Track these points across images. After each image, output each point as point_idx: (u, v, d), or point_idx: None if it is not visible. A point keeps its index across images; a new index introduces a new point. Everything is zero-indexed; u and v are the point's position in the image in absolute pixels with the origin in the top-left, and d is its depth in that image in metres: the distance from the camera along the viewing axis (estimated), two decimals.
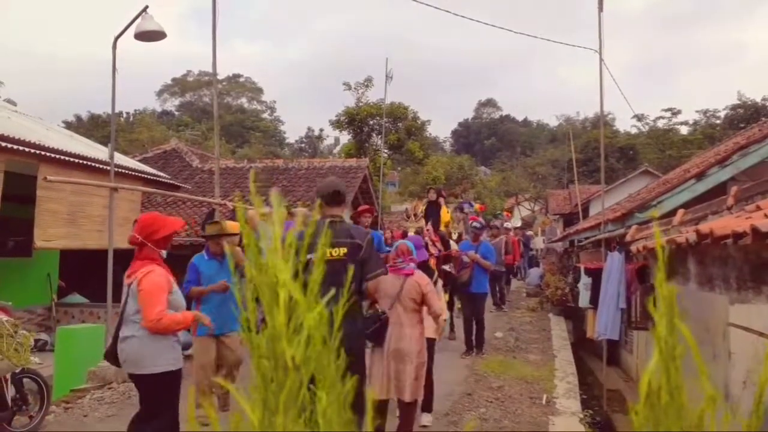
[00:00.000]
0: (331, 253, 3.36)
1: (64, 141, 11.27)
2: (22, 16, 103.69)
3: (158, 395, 3.49)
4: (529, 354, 8.84)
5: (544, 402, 6.34)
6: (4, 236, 10.72)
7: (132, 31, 7.23)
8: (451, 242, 9.61)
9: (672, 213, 6.27)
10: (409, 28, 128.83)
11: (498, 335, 9.98)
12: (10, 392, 4.66)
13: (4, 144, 8.26)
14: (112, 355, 3.60)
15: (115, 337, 3.59)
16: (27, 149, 8.69)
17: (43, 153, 9.05)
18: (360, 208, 8.57)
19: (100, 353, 5.91)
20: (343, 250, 3.47)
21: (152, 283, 3.46)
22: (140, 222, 3.60)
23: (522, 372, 7.58)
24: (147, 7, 6.91)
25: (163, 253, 3.64)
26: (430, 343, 5.12)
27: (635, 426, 0.62)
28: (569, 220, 23.51)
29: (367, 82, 27.05)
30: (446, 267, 8.67)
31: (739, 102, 36.65)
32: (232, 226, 5.63)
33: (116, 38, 6.99)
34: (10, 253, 10.82)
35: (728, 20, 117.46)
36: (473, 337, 8.50)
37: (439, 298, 5.28)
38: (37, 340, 7.31)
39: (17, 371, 4.57)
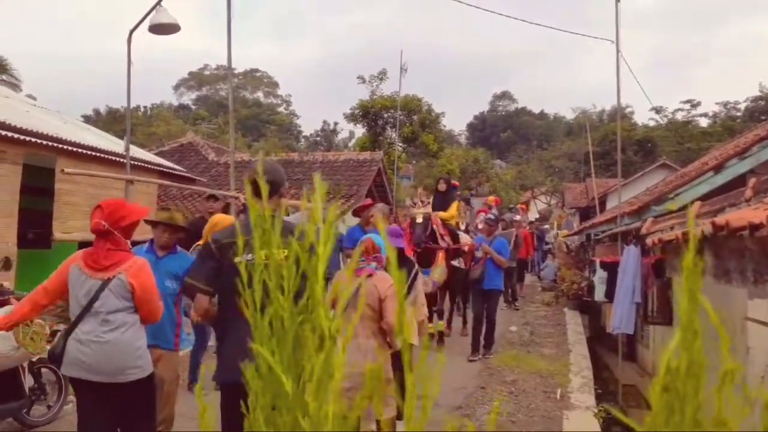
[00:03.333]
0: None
1: (82, 134, 11.40)
2: (40, 14, 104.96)
3: (144, 400, 3.23)
4: (544, 348, 8.80)
5: (558, 396, 6.31)
6: (23, 228, 10.87)
7: (147, 25, 7.29)
8: (462, 234, 9.14)
9: (690, 206, 6.18)
10: (424, 20, 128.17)
11: (512, 329, 9.95)
12: (28, 382, 4.73)
13: (23, 137, 8.38)
14: (58, 356, 3.17)
15: (67, 336, 3.16)
16: (45, 142, 8.80)
17: (61, 146, 9.16)
18: (363, 203, 8.10)
19: None
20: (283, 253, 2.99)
21: (150, 279, 3.23)
22: (105, 208, 3.19)
23: (536, 366, 7.55)
24: (161, 0, 6.94)
25: (128, 243, 3.32)
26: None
27: (652, 401, 0.61)
28: (586, 213, 23.31)
29: (381, 75, 26.95)
30: (455, 262, 8.37)
31: (760, 94, 36.02)
32: (221, 219, 5.20)
33: (131, 31, 7.04)
34: (29, 245, 10.97)
35: (750, 11, 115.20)
36: (482, 337, 8.02)
37: (417, 300, 4.73)
38: (55, 332, 7.41)
39: (34, 360, 4.64)
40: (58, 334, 3.34)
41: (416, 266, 5.14)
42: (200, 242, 5.43)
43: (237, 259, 2.56)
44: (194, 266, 3.01)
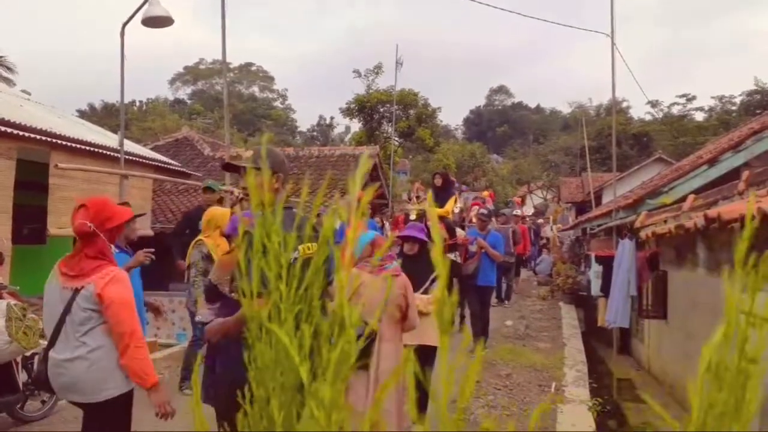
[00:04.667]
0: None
1: (76, 129, 11.35)
2: (33, 8, 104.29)
3: (113, 423, 2.85)
4: (539, 342, 8.82)
5: (552, 390, 6.33)
6: (18, 223, 10.84)
7: (141, 18, 7.25)
8: (458, 230, 8.76)
9: (684, 199, 6.19)
10: (420, 14, 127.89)
11: (508, 323, 9.96)
12: (22, 377, 4.72)
13: (16, 132, 8.34)
14: (42, 380, 2.87)
15: (45, 357, 2.85)
16: (39, 137, 8.77)
17: (54, 141, 9.12)
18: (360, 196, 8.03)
19: None
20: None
21: (125, 292, 2.78)
22: (91, 206, 2.80)
23: (531, 360, 7.56)
24: None
25: (113, 248, 2.97)
26: (431, 352, 4.36)
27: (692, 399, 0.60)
28: (582, 208, 23.35)
29: (377, 69, 26.95)
30: (452, 256, 7.91)
31: (756, 88, 36.05)
32: (217, 212, 5.16)
33: (124, 25, 7.00)
34: (24, 241, 10.94)
35: (745, 6, 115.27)
36: (478, 330, 7.80)
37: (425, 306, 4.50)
38: None
39: (28, 355, 4.63)
40: (36, 357, 3.06)
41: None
42: (202, 237, 5.40)
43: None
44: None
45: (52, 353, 2.79)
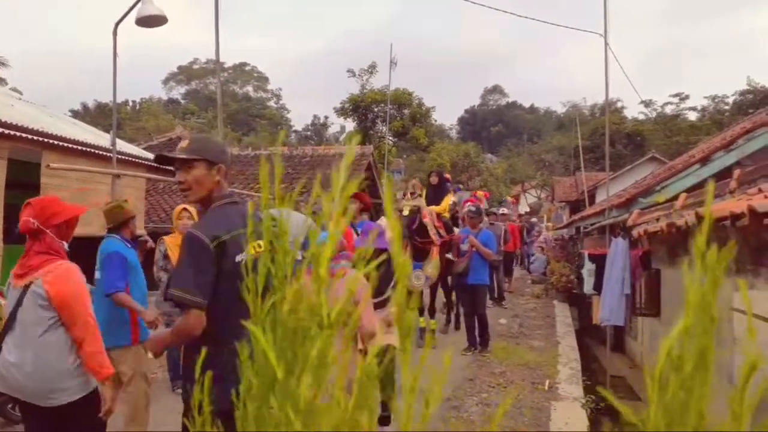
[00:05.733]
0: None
1: (68, 128, 11.29)
2: (26, 7, 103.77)
3: (77, 426, 2.72)
4: (533, 340, 8.84)
5: (546, 387, 6.34)
6: (9, 223, 10.78)
7: (135, 18, 7.22)
8: (456, 229, 8.75)
9: (676, 198, 6.23)
10: (414, 14, 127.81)
11: (502, 321, 9.98)
12: None
13: (7, 131, 8.28)
14: None
15: None
16: (30, 136, 8.71)
17: (46, 140, 9.07)
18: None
19: None
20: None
21: (74, 284, 2.68)
22: (35, 204, 2.74)
23: (525, 358, 7.58)
24: None
25: (65, 245, 2.82)
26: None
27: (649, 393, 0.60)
28: (575, 207, 23.40)
29: (371, 69, 26.94)
30: (449, 255, 8.01)
31: (748, 87, 36.24)
32: (177, 211, 5.18)
33: (117, 24, 6.96)
34: (15, 240, 10.85)
35: (738, 6, 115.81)
36: (476, 333, 7.75)
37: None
38: None
39: None
40: None
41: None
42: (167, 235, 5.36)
43: (239, 258, 2.15)
44: (182, 272, 2.24)
45: (3, 354, 2.70)
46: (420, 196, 7.83)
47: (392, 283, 4.29)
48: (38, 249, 2.71)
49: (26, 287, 2.66)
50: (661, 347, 0.58)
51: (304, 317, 0.63)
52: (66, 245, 2.82)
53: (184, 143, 2.46)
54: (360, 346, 3.48)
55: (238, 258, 2.20)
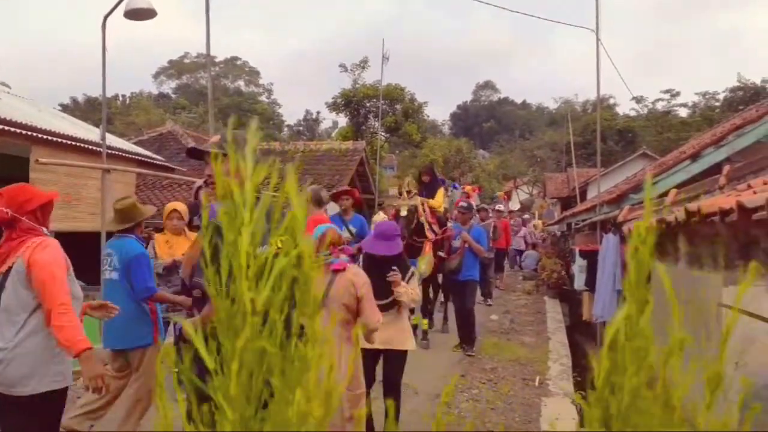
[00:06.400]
0: None
1: (57, 123, 11.20)
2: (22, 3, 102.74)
3: (35, 425, 2.63)
4: (524, 336, 8.87)
5: (536, 384, 6.37)
6: None
7: (123, 11, 7.14)
8: (449, 224, 8.52)
9: (667, 194, 6.25)
10: (407, 9, 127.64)
11: (493, 318, 10.01)
12: None
13: None
14: None
15: None
16: (19, 131, 8.63)
17: (35, 135, 8.99)
18: (339, 189, 7.47)
19: (93, 334, 5.89)
20: None
21: (50, 256, 2.65)
22: (5, 194, 2.72)
23: (516, 354, 7.60)
24: None
25: (45, 231, 2.79)
26: (401, 353, 4.27)
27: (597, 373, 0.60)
28: (567, 203, 23.49)
29: (363, 64, 26.88)
30: (441, 253, 7.85)
31: (738, 84, 36.46)
32: (169, 208, 5.11)
33: (105, 17, 6.90)
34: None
35: (729, 2, 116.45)
36: (465, 333, 7.56)
37: (413, 294, 4.31)
38: None
39: None
40: None
41: (412, 267, 4.56)
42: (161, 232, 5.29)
43: (259, 251, 2.27)
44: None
45: None
46: (416, 194, 7.69)
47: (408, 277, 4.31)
48: (14, 236, 2.69)
49: (8, 271, 2.64)
50: (606, 331, 0.59)
51: (233, 306, 0.60)
52: (46, 231, 2.78)
53: (216, 138, 2.67)
54: (346, 413, 3.32)
55: (258, 251, 2.17)
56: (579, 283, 9.31)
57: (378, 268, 4.16)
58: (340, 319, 3.35)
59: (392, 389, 4.28)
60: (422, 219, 7.57)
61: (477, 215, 10.72)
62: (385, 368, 4.33)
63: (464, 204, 8.23)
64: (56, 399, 2.68)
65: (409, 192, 7.57)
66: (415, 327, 7.73)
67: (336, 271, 3.43)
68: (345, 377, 3.02)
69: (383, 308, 3.92)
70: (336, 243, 3.52)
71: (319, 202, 5.48)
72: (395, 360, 4.28)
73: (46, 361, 2.62)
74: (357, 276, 3.45)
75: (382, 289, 4.06)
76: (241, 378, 0.54)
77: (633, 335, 0.57)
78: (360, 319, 3.46)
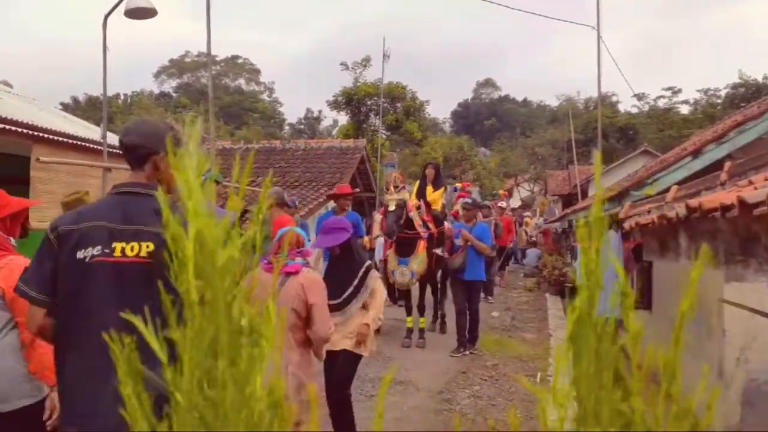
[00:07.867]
0: (123, 251, 1.85)
1: (58, 121, 11.21)
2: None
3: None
4: (525, 333, 8.87)
5: (538, 380, 6.37)
6: None
7: (124, 10, 7.16)
8: (446, 223, 8.36)
9: (668, 190, 6.24)
10: (408, 7, 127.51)
11: (494, 314, 10.01)
12: None
13: None
14: None
15: None
16: (20, 129, 8.64)
17: (36, 133, 9.01)
18: (337, 189, 7.48)
19: None
20: (148, 247, 1.84)
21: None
22: None
23: (517, 350, 7.61)
24: None
25: (12, 241, 2.61)
26: (351, 357, 3.99)
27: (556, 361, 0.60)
28: (568, 201, 23.48)
29: (365, 62, 26.83)
30: (438, 251, 7.74)
31: (740, 81, 36.40)
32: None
33: (106, 16, 6.91)
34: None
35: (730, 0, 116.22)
36: (467, 332, 7.46)
37: (374, 299, 4.08)
38: None
39: None
40: None
41: (367, 261, 4.34)
42: None
43: (80, 254, 1.93)
44: (30, 266, 2.01)
45: None
46: (403, 188, 7.57)
47: (354, 284, 4.08)
48: None
49: None
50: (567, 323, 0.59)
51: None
52: (13, 241, 2.62)
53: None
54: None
55: (80, 254, 1.88)
56: (580, 279, 9.28)
57: (334, 266, 4.17)
58: (290, 324, 3.19)
59: (337, 394, 4.01)
60: (411, 214, 7.39)
61: (479, 212, 10.55)
62: (329, 371, 4.08)
63: (468, 200, 8.03)
64: (39, 410, 2.55)
65: (396, 186, 7.44)
66: (421, 331, 7.77)
67: (288, 274, 3.27)
68: (296, 382, 3.06)
69: (333, 308, 3.75)
70: (293, 245, 3.37)
71: (282, 204, 5.84)
72: (343, 363, 4.01)
73: (19, 379, 2.47)
74: (310, 281, 3.26)
75: (336, 290, 3.90)
76: (192, 369, 0.54)
77: (586, 330, 0.57)
78: (312, 328, 3.25)
